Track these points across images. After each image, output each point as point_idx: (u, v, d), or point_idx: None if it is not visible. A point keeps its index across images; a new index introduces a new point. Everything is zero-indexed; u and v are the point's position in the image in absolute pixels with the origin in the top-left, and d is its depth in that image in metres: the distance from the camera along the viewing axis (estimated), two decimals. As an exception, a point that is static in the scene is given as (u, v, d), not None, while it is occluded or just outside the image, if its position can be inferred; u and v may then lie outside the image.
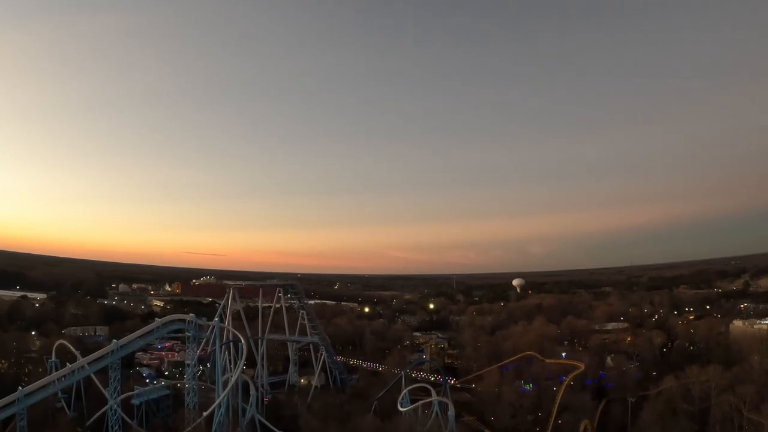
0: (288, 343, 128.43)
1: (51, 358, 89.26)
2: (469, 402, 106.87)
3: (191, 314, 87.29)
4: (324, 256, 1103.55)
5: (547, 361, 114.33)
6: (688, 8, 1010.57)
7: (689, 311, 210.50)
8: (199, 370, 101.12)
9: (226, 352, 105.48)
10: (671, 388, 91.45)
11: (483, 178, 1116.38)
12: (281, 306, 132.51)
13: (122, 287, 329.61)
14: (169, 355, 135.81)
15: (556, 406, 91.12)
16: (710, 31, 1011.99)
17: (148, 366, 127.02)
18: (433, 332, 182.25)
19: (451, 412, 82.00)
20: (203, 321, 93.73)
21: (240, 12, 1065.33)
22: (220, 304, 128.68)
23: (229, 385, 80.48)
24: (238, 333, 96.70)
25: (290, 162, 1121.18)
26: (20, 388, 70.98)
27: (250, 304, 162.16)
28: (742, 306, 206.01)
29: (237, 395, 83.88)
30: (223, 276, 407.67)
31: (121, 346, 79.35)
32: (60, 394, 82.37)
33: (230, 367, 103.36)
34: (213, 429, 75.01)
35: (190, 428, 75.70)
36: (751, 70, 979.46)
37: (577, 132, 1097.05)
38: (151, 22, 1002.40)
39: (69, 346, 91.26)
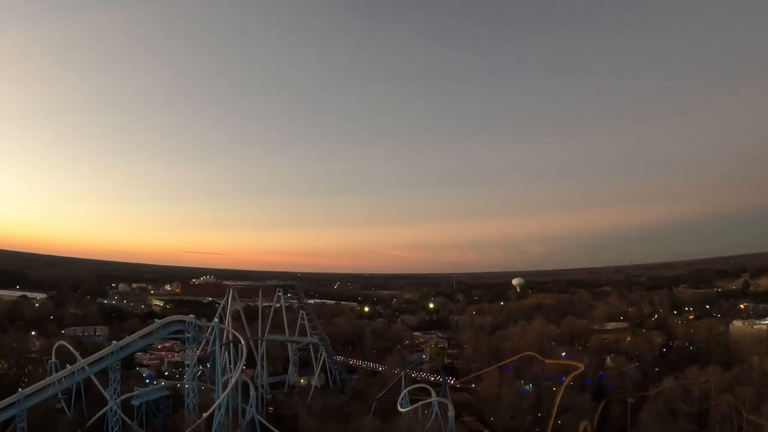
0: (288, 344, 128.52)
1: (51, 359, 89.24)
2: (469, 402, 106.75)
3: (191, 315, 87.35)
4: (323, 255, 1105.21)
5: (547, 361, 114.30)
6: (689, 8, 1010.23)
7: (689, 311, 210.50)
8: (199, 370, 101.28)
9: (226, 353, 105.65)
10: (670, 389, 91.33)
11: (482, 177, 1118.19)
12: (281, 306, 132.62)
13: (122, 287, 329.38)
14: (169, 356, 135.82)
15: (556, 406, 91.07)
16: (711, 31, 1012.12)
17: (147, 366, 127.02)
18: (432, 332, 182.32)
19: (451, 412, 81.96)
20: (203, 322, 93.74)
21: (241, 12, 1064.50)
22: (220, 303, 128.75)
23: (229, 386, 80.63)
24: (237, 334, 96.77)
25: (290, 161, 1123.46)
26: (20, 389, 71.00)
27: (250, 304, 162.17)
28: (741, 306, 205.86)
29: (237, 396, 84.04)
30: (222, 275, 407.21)
31: (120, 348, 79.37)
32: (60, 396, 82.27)
33: (230, 368, 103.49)
34: (213, 430, 75.04)
35: (190, 429, 75.80)
36: (750, 70, 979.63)
37: (576, 132, 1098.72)
38: (152, 22, 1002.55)
39: (69, 347, 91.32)
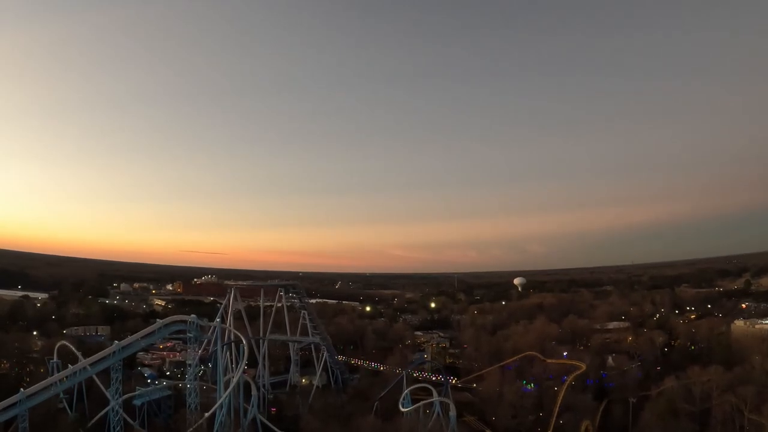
0: (289, 343, 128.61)
1: (52, 359, 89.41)
2: (471, 402, 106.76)
3: (192, 315, 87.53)
4: (325, 254, 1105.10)
5: (549, 360, 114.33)
6: (687, 8, 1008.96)
7: (690, 310, 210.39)
8: (201, 370, 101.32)
9: (228, 353, 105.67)
10: (672, 389, 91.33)
11: (484, 176, 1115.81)
12: (282, 306, 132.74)
13: (124, 286, 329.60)
14: (171, 355, 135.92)
15: (557, 406, 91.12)
16: (710, 31, 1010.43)
17: (149, 366, 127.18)
18: (434, 331, 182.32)
19: (453, 412, 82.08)
20: (204, 322, 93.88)
21: (241, 12, 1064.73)
22: (221, 303, 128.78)
23: (231, 386, 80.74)
24: (239, 333, 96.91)
25: (291, 161, 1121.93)
26: (22, 389, 71.19)
27: (252, 303, 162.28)
28: (743, 305, 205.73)
29: (238, 396, 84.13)
30: (224, 275, 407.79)
31: (122, 348, 79.61)
32: (62, 395, 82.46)
33: (232, 368, 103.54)
34: (215, 429, 75.25)
35: (191, 429, 75.89)
36: (750, 69, 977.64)
37: (577, 131, 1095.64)
38: (152, 21, 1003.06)
39: (71, 347, 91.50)
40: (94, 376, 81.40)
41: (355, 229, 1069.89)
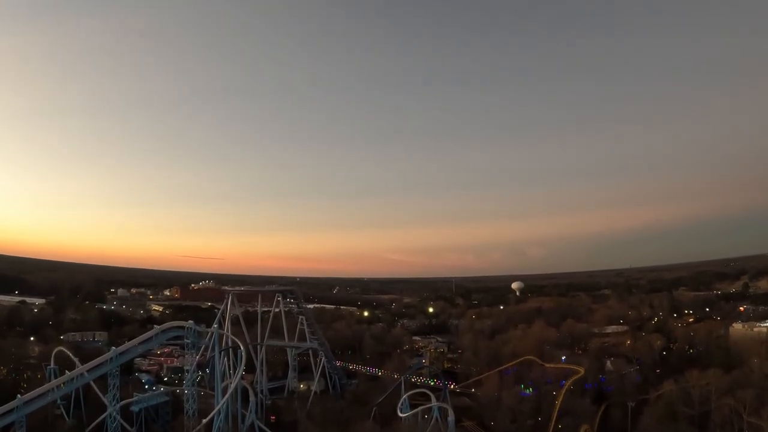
0: (287, 349, 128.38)
1: (50, 365, 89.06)
2: (469, 407, 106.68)
3: (190, 321, 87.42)
4: (323, 259, 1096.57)
5: (547, 365, 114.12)
6: (686, 8, 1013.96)
7: (689, 314, 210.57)
8: (199, 376, 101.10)
9: (225, 358, 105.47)
10: (671, 392, 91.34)
11: (481, 180, 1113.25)
12: (280, 311, 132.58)
13: (121, 292, 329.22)
14: (168, 361, 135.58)
15: (556, 410, 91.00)
16: (708, 31, 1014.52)
17: (147, 372, 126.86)
18: (432, 336, 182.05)
19: (451, 417, 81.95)
20: (202, 327, 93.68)
21: (239, 16, 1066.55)
22: (219, 308, 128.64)
23: (229, 392, 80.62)
24: (237, 339, 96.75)
25: (289, 165, 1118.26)
26: (19, 395, 70.86)
27: (249, 309, 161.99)
28: (741, 308, 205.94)
29: (236, 401, 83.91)
30: (222, 280, 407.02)
31: (119, 354, 79.42)
32: (59, 402, 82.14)
33: (229, 373, 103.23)
34: (212, 436, 74.97)
35: (189, 435, 75.72)
36: (749, 70, 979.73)
37: (575, 134, 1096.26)
38: (150, 25, 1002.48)
39: (68, 352, 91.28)
40: (92, 382, 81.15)
41: (353, 234, 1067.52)
